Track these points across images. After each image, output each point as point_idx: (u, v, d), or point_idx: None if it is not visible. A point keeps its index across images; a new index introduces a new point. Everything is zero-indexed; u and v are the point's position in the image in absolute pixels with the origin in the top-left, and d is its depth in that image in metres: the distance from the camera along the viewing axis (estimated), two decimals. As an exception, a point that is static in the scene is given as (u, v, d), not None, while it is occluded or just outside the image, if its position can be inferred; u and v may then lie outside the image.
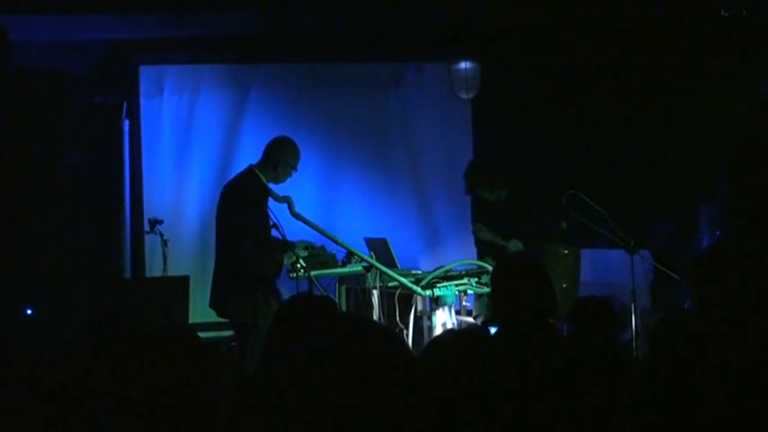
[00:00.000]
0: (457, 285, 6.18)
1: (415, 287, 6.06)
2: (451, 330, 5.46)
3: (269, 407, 2.19)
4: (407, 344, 2.31)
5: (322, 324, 2.40)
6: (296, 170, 6.10)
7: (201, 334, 6.26)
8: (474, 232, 7.48)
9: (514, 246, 7.00)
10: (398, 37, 8.57)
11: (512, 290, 3.38)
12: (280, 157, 6.00)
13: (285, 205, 5.95)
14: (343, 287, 6.74)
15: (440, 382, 2.39)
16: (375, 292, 6.32)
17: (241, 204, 5.93)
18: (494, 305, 3.47)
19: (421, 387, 2.01)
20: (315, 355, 2.00)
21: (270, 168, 5.99)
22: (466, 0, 7.64)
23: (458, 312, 6.45)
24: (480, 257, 7.24)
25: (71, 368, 3.13)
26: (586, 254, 7.89)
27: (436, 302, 6.15)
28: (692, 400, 2.74)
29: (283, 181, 6.08)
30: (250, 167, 6.08)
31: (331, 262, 6.35)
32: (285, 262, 5.99)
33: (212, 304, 6.08)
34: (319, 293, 5.79)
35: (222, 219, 6.04)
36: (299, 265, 5.92)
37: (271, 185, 6.03)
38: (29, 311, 6.96)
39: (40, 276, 7.48)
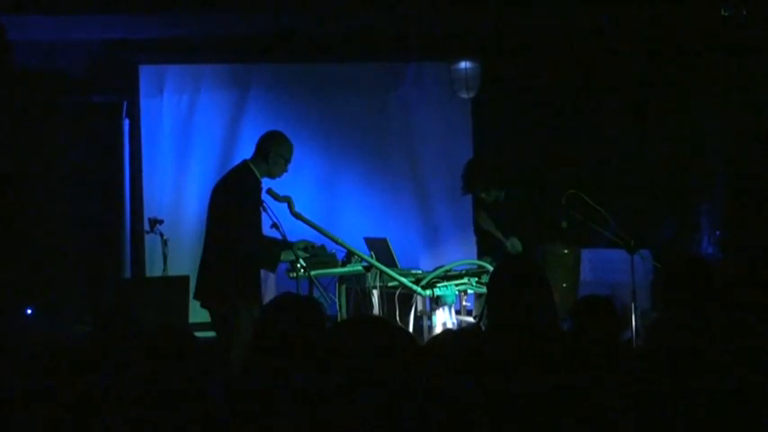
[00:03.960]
0: (457, 285, 6.18)
1: (415, 287, 6.06)
2: (450, 330, 5.47)
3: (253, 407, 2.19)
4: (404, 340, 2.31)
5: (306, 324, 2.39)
6: (289, 162, 6.06)
7: (201, 334, 6.26)
8: (476, 221, 7.45)
9: (512, 245, 6.99)
10: (398, 37, 8.56)
11: (509, 295, 3.37)
12: (271, 148, 5.97)
13: (285, 205, 5.94)
14: (344, 287, 6.74)
15: (438, 380, 2.39)
16: (375, 292, 6.32)
17: (234, 196, 5.91)
18: (491, 309, 3.46)
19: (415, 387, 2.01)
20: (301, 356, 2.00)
21: (263, 161, 5.98)
22: (466, 0, 7.64)
23: (458, 312, 6.45)
24: (480, 256, 7.24)
25: (71, 368, 3.13)
26: (586, 254, 7.89)
27: (436, 302, 6.15)
28: (689, 396, 2.74)
29: (278, 175, 6.03)
30: (244, 161, 6.08)
31: (331, 262, 6.34)
32: (283, 258, 5.97)
33: (197, 294, 6.02)
34: (318, 293, 5.79)
35: (215, 210, 6.01)
36: (298, 265, 5.91)
37: (272, 186, 6.01)
38: (29, 311, 6.96)
39: (40, 276, 7.48)
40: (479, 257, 7.19)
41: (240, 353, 5.49)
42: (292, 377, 2.53)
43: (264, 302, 7.57)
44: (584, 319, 4.00)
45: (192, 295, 6.46)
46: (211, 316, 5.94)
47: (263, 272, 6.60)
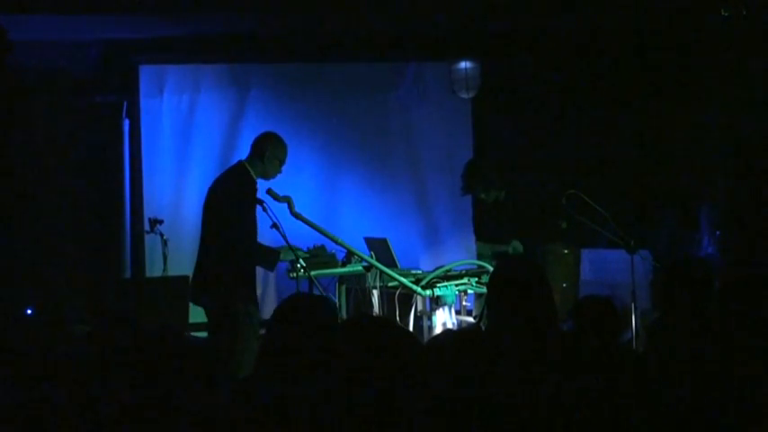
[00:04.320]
0: (457, 285, 6.18)
1: (415, 287, 6.06)
2: (450, 330, 5.46)
3: (266, 406, 2.19)
4: (413, 340, 2.31)
5: (321, 324, 2.40)
6: (283, 164, 6.07)
7: (200, 334, 6.23)
8: (476, 220, 7.49)
9: (514, 249, 7.00)
10: (398, 37, 8.56)
11: (508, 295, 3.37)
12: (267, 149, 5.99)
13: (285, 205, 5.94)
14: (343, 287, 6.74)
15: (438, 381, 2.39)
16: (375, 292, 6.33)
17: (230, 195, 5.92)
18: (490, 310, 3.46)
19: (420, 388, 2.01)
20: (314, 354, 2.00)
21: (259, 161, 5.99)
22: (466, 0, 7.64)
23: (458, 312, 6.45)
24: (480, 257, 7.24)
25: (72, 368, 3.13)
26: (586, 254, 7.89)
27: (436, 302, 6.15)
28: (688, 397, 2.74)
29: (272, 176, 6.04)
30: (240, 161, 6.10)
31: (331, 262, 6.35)
32: (282, 258, 5.98)
33: (193, 294, 6.02)
34: (318, 293, 5.79)
35: (211, 210, 6.02)
36: (298, 265, 5.91)
37: (272, 187, 6.02)
38: (29, 311, 6.96)
39: (40, 276, 7.48)
40: (479, 257, 7.19)
41: (239, 353, 5.50)
42: (304, 377, 2.53)
43: (264, 302, 7.59)
44: (583, 319, 4.00)
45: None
46: (207, 316, 5.94)
47: (264, 272, 6.60)
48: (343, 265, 6.39)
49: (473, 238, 7.60)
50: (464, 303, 6.52)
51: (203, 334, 6.15)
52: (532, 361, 2.98)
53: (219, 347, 5.69)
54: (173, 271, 7.41)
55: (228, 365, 5.51)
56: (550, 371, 2.95)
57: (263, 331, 6.13)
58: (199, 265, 5.98)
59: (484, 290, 6.11)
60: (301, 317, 2.94)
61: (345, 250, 6.23)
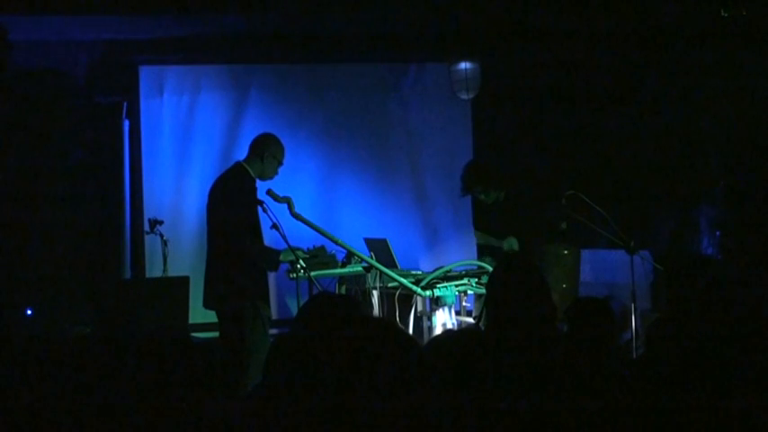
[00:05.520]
0: (457, 286, 6.19)
1: (415, 287, 6.07)
2: (450, 331, 5.47)
3: (284, 409, 2.19)
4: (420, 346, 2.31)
5: (344, 326, 2.39)
6: (280, 165, 6.10)
7: (201, 334, 6.24)
8: (476, 222, 7.51)
9: (508, 245, 7.00)
10: (398, 37, 8.56)
11: (507, 296, 3.37)
12: (266, 149, 6.02)
13: (285, 205, 5.95)
14: (343, 287, 6.74)
15: (439, 382, 2.39)
16: (375, 293, 6.33)
17: (231, 196, 5.94)
18: (489, 311, 3.46)
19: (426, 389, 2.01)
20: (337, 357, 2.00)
21: (258, 161, 6.01)
22: (466, 0, 7.64)
23: (458, 313, 6.46)
24: (480, 257, 7.24)
25: (72, 368, 3.13)
26: (586, 254, 7.89)
27: (436, 303, 6.16)
28: (687, 400, 2.74)
29: (270, 177, 6.06)
30: (237, 163, 6.12)
31: (331, 262, 6.35)
32: (282, 258, 5.99)
33: (205, 301, 6.04)
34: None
35: (213, 213, 6.04)
36: (298, 266, 5.92)
37: (272, 187, 6.02)
38: (29, 311, 6.96)
39: (40, 276, 7.48)
40: (479, 258, 7.19)
41: (249, 352, 5.52)
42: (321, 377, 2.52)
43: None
44: (579, 321, 4.00)
45: (193, 296, 6.46)
46: (219, 318, 5.96)
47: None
48: (343, 265, 6.40)
49: (473, 239, 7.60)
50: (464, 304, 6.52)
51: (204, 334, 6.15)
52: (531, 362, 2.99)
53: (227, 347, 5.71)
54: (173, 271, 7.41)
55: (238, 366, 5.53)
56: (548, 372, 2.96)
57: (273, 330, 6.18)
58: (208, 269, 6.01)
59: (484, 290, 6.11)
60: (326, 316, 2.93)
61: (345, 251, 6.24)
